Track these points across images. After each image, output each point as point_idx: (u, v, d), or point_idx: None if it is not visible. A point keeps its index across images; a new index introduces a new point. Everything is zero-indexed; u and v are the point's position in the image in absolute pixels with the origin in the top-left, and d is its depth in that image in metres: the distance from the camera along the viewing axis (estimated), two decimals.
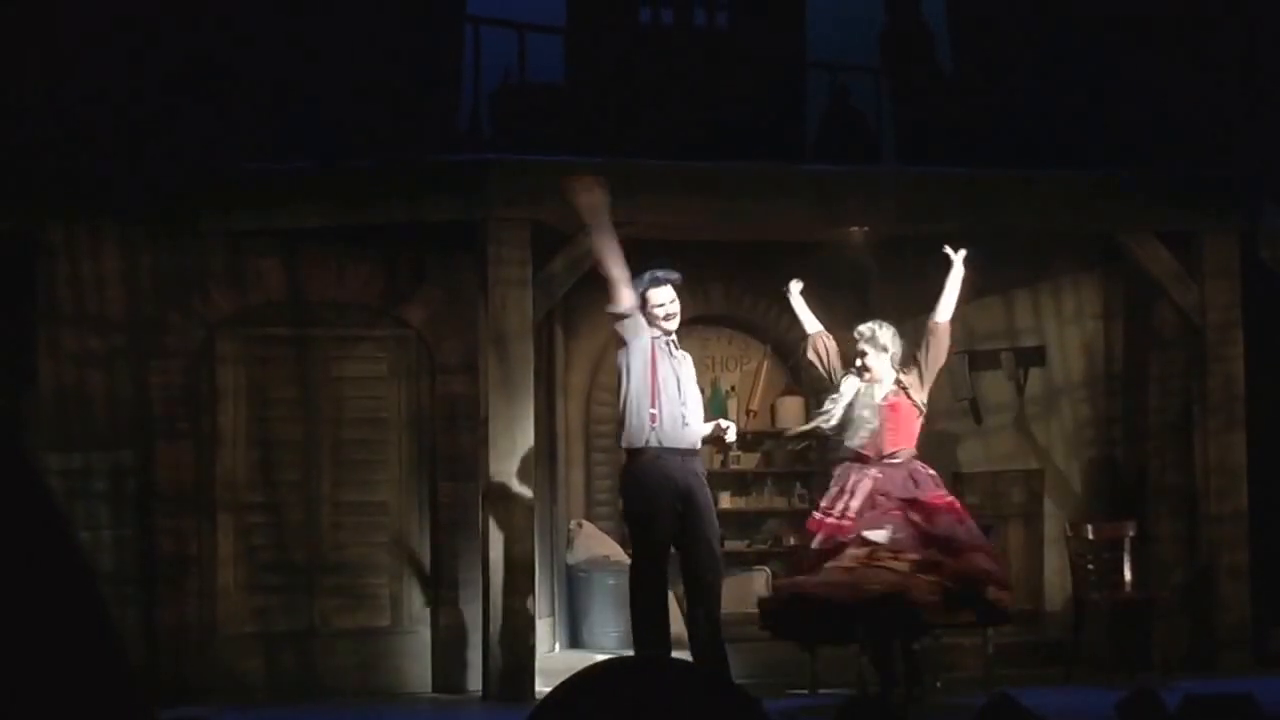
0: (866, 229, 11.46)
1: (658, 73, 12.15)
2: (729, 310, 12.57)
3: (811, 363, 9.86)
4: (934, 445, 11.87)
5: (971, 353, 12.04)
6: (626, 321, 9.01)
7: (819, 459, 12.74)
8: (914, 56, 13.04)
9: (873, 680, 9.35)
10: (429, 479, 10.78)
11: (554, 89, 12.40)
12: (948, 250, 9.70)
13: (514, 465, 10.10)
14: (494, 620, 10.07)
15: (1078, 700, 9.56)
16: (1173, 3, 12.21)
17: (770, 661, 11.14)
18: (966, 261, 9.66)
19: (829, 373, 9.72)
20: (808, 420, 9.99)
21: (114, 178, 10.47)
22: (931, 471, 9.67)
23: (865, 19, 13.38)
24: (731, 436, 9.33)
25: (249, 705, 10.09)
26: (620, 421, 9.12)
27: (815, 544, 9.47)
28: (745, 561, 12.73)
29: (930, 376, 9.67)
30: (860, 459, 9.54)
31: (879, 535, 9.29)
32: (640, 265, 11.54)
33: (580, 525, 11.86)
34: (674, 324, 9.13)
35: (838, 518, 9.43)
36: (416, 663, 10.67)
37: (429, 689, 10.56)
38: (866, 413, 9.54)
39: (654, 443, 8.94)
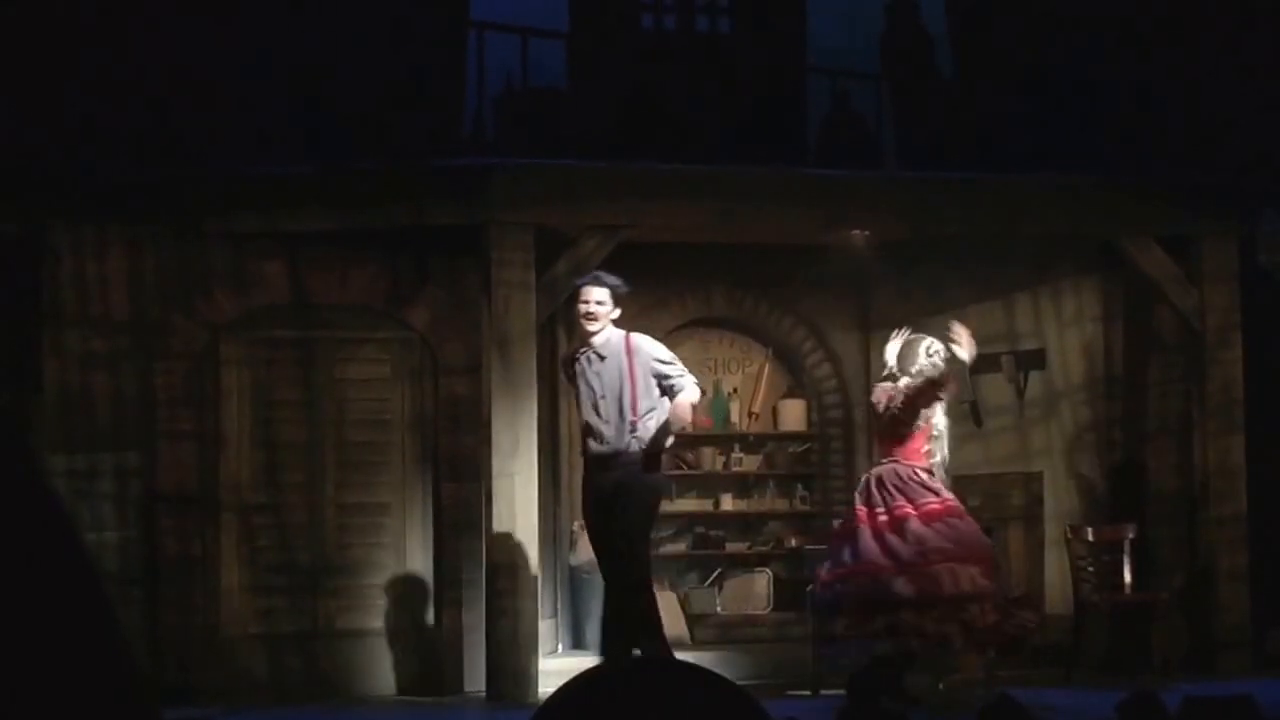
0: (867, 233, 11.48)
1: (660, 78, 12.19)
2: (730, 313, 12.60)
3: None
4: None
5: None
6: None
7: (820, 461, 12.77)
8: (914, 62, 13.09)
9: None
10: (432, 480, 10.81)
11: (557, 93, 12.45)
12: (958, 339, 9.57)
13: (516, 467, 10.14)
14: (497, 622, 10.10)
15: (1078, 701, 9.59)
16: (1171, 6, 12.25)
17: (771, 663, 11.18)
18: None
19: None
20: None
21: (118, 180, 10.50)
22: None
23: (865, 24, 13.43)
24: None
25: (253, 706, 10.11)
26: None
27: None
28: (747, 564, 12.75)
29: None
30: None
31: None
32: (636, 264, 11.64)
33: (583, 527, 11.88)
34: (593, 326, 9.22)
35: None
36: (420, 664, 10.71)
37: (432, 690, 10.59)
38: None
39: (586, 457, 9.30)
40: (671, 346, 12.63)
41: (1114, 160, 11.60)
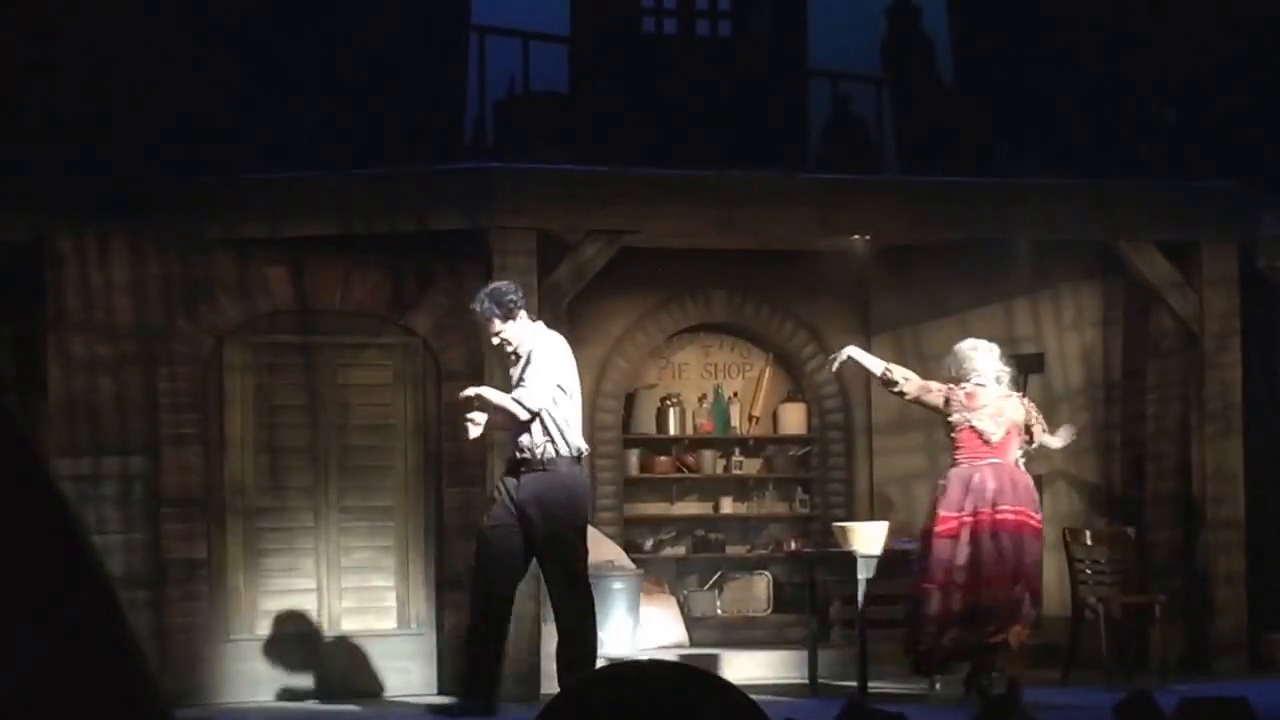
0: (868, 237, 11.53)
1: (661, 82, 12.23)
2: (731, 318, 12.62)
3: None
4: (933, 451, 11.97)
5: None
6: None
7: (819, 465, 12.80)
8: (914, 66, 13.13)
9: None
10: (435, 484, 10.85)
11: (558, 98, 12.48)
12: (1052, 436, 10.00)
13: None
14: None
15: (1075, 702, 9.65)
16: (1169, 10, 12.29)
17: (771, 663, 11.22)
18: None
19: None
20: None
21: (122, 186, 10.54)
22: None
23: (866, 29, 13.48)
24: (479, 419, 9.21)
25: (258, 708, 10.16)
26: None
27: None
28: (746, 566, 12.79)
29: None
30: None
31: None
32: (638, 268, 11.69)
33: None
34: (507, 348, 9.20)
35: None
36: (423, 665, 10.75)
37: (436, 691, 10.62)
38: None
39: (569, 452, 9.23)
40: (672, 351, 12.74)
41: (1114, 165, 11.64)
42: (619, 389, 12.41)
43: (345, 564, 10.78)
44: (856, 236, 11.49)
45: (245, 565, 10.63)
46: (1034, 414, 9.92)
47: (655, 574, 12.28)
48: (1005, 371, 9.95)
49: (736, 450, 12.97)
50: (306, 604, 10.71)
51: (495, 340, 9.22)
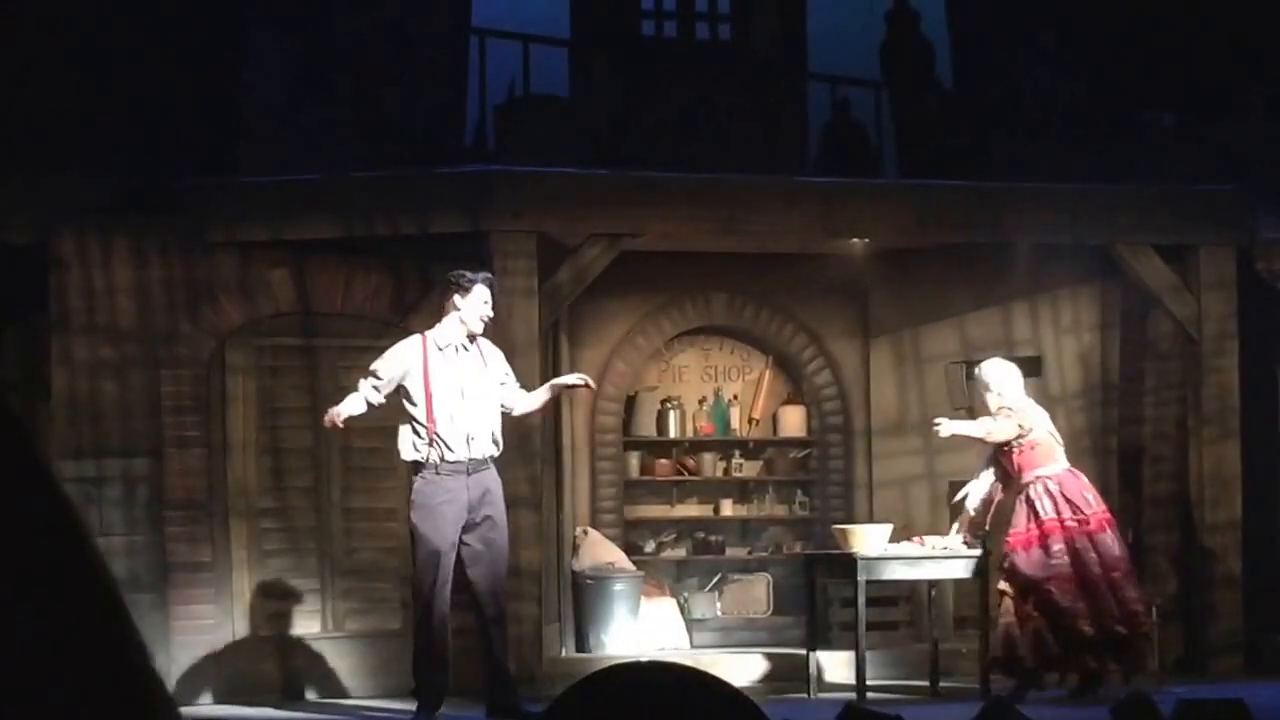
0: (867, 241, 11.56)
1: (661, 85, 12.25)
2: (731, 321, 12.63)
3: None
4: (931, 454, 12.01)
5: (968, 362, 12.12)
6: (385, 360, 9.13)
7: (819, 467, 12.83)
8: (914, 70, 13.16)
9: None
10: None
11: (558, 101, 12.49)
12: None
13: (520, 473, 10.20)
14: None
15: (1073, 702, 9.68)
16: (1168, 12, 12.33)
17: (771, 665, 11.24)
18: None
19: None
20: None
21: (124, 189, 10.58)
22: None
23: (866, 32, 13.50)
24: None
25: (263, 709, 10.19)
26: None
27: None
28: (746, 568, 12.81)
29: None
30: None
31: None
32: (638, 271, 11.71)
33: (585, 532, 11.96)
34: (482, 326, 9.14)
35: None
36: None
37: None
38: None
39: (433, 459, 8.98)
40: (672, 354, 12.77)
41: (1112, 169, 11.67)
42: (619, 392, 12.43)
43: (348, 565, 10.82)
44: (856, 240, 11.52)
45: (249, 567, 10.67)
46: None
47: (655, 576, 12.30)
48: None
49: (736, 453, 12.98)
50: (310, 605, 10.74)
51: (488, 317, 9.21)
